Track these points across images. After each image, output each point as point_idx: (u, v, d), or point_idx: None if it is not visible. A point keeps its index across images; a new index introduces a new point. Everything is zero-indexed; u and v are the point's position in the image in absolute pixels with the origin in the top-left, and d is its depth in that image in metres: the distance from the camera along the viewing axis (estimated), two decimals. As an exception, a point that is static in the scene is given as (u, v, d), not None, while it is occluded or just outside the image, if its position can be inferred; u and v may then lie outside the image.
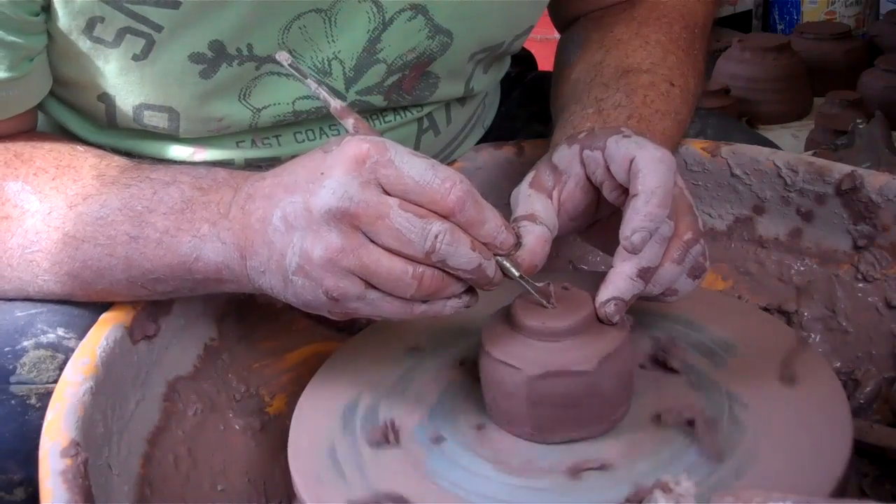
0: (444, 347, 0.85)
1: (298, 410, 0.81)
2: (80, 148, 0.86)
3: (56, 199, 0.81)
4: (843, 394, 0.77)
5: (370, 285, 0.70)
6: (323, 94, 0.74)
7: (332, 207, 0.68)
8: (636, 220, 0.73)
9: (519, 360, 0.73)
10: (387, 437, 0.76)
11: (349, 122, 0.74)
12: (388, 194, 0.69)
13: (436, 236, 0.68)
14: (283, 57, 0.75)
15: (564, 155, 0.80)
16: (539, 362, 0.72)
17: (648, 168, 0.74)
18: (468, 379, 0.81)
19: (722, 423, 0.75)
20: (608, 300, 0.74)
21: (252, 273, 0.73)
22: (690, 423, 0.74)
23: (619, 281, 0.74)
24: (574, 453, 0.73)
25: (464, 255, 0.69)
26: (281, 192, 0.71)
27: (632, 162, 0.75)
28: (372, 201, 0.68)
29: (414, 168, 0.68)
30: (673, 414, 0.75)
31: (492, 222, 0.70)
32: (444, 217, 0.69)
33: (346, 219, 0.68)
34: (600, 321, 0.75)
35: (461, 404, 0.79)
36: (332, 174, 0.68)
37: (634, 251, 0.74)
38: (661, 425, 0.75)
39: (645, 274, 0.75)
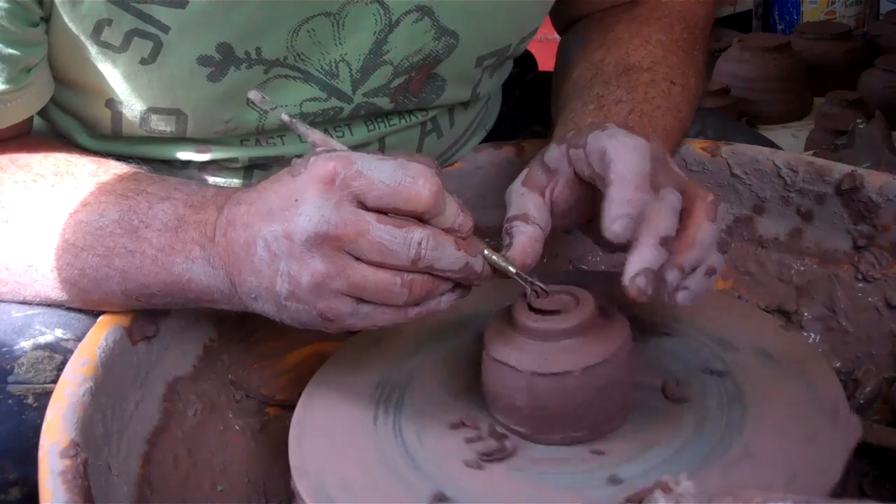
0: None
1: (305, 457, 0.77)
2: (75, 154, 0.86)
3: (56, 205, 0.81)
4: (843, 393, 0.77)
5: (362, 300, 0.70)
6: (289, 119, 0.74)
7: (311, 234, 0.68)
8: (613, 208, 0.73)
9: (518, 361, 0.73)
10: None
11: (311, 136, 0.74)
12: (365, 208, 0.69)
13: (419, 243, 0.68)
14: (255, 96, 0.75)
15: (555, 154, 0.81)
16: (540, 363, 0.72)
17: (619, 155, 0.74)
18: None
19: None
20: (637, 273, 0.71)
21: (244, 298, 0.74)
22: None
23: (645, 251, 0.72)
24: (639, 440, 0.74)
25: (450, 256, 0.70)
26: (259, 221, 0.71)
27: (605, 153, 0.75)
28: (349, 220, 0.68)
29: (383, 172, 0.68)
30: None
31: (451, 206, 0.71)
32: (422, 213, 0.69)
33: (327, 242, 0.68)
34: (632, 300, 0.71)
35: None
36: (305, 199, 0.68)
37: (618, 240, 0.72)
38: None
39: (666, 242, 0.72)
